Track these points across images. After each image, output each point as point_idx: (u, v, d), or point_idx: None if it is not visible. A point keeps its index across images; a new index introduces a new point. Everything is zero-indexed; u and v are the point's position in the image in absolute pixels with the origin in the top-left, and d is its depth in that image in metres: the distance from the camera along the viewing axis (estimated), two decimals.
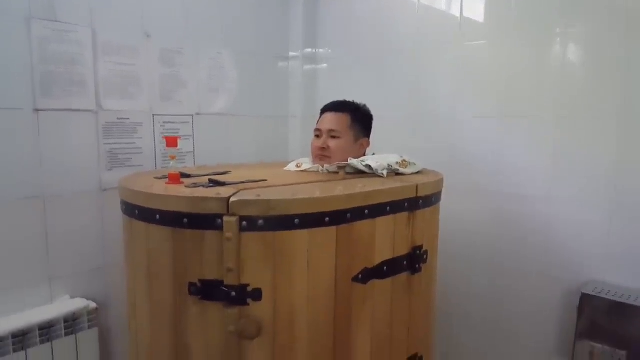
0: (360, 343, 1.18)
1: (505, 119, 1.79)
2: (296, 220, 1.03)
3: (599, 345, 1.53)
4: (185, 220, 1.01)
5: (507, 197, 1.81)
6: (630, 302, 1.48)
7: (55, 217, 1.58)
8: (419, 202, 1.26)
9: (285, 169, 1.60)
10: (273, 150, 2.30)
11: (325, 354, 1.12)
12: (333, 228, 1.08)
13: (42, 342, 1.50)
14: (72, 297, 1.66)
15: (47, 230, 1.57)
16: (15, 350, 1.44)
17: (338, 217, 1.08)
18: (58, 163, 1.57)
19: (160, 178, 1.27)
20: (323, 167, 1.47)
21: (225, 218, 0.99)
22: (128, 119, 1.73)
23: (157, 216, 1.05)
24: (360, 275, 1.15)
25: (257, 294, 1.04)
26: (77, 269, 1.67)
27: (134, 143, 1.76)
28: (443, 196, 1.46)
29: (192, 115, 1.94)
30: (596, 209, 1.62)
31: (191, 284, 1.05)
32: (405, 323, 1.30)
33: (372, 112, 1.65)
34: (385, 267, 1.21)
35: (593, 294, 1.53)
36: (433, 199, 1.34)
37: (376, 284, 1.20)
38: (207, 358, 1.07)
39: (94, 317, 1.63)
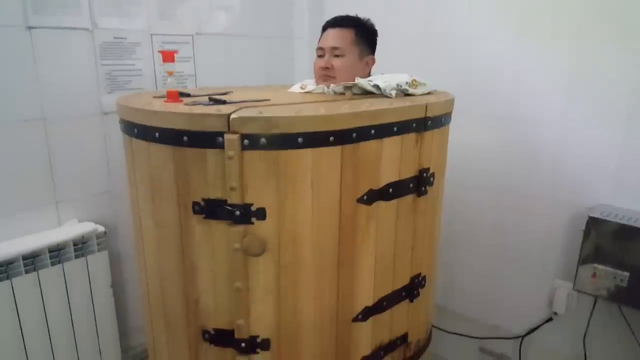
0: (364, 262, 1.18)
1: (521, 39, 1.70)
2: (300, 139, 1.00)
3: (602, 267, 1.54)
4: (186, 138, 0.99)
5: (520, 121, 1.76)
6: (637, 225, 1.47)
7: (57, 140, 1.56)
8: (427, 122, 1.22)
9: (289, 90, 1.55)
10: (278, 74, 2.22)
11: (329, 272, 1.13)
12: (338, 148, 1.05)
13: (52, 264, 1.53)
14: (80, 221, 1.68)
15: (49, 154, 1.55)
16: (27, 272, 1.47)
17: (343, 137, 1.05)
18: (56, 84, 1.52)
19: (159, 97, 1.23)
20: (328, 87, 1.41)
21: (226, 136, 0.96)
22: (125, 38, 1.66)
23: (157, 134, 1.02)
24: (365, 197, 1.14)
25: (261, 213, 1.03)
26: (84, 194, 1.68)
27: (133, 64, 1.70)
28: (453, 120, 1.42)
29: (192, 35, 1.86)
30: (610, 133, 1.57)
31: (195, 203, 1.04)
32: (409, 244, 1.30)
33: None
34: (390, 189, 1.19)
35: (600, 217, 1.53)
36: (442, 120, 1.29)
37: (381, 205, 1.18)
38: (213, 275, 1.09)
39: (102, 241, 1.66)
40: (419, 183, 1.26)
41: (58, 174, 1.59)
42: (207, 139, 0.98)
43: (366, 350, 1.28)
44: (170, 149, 1.02)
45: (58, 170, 1.58)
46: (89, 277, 1.63)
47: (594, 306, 1.68)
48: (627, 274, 1.50)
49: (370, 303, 1.24)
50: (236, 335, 1.11)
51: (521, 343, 1.90)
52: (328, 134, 1.02)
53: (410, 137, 1.20)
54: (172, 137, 1.00)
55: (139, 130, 1.06)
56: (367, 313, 1.24)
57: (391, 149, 1.16)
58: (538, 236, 1.79)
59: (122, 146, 1.25)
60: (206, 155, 0.99)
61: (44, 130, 1.53)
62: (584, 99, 1.61)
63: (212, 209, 1.03)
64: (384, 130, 1.12)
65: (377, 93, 1.33)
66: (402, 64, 1.75)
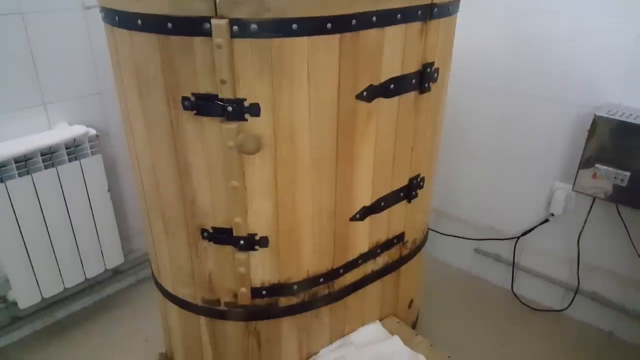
0: (362, 161, 1.15)
1: None
2: (294, 26, 0.92)
3: (603, 167, 1.52)
4: (170, 25, 0.91)
5: (532, 13, 1.64)
6: None
7: (38, 37, 1.47)
8: (433, 10, 1.13)
9: None
10: None
11: (327, 171, 1.10)
12: (336, 36, 0.97)
13: (45, 167, 1.50)
14: (71, 124, 1.63)
15: (32, 52, 1.47)
16: (20, 175, 1.45)
17: (342, 24, 0.97)
18: None
19: None
20: None
21: (213, 21, 0.88)
22: None
23: (139, 21, 0.94)
24: (364, 93, 1.08)
25: (255, 110, 0.98)
26: (73, 95, 1.61)
27: None
28: (460, 13, 1.31)
29: None
30: (626, 29, 1.47)
31: (184, 98, 0.98)
32: (409, 144, 1.27)
33: None
34: (392, 85, 1.13)
35: (606, 115, 1.48)
36: (450, 9, 1.19)
37: (381, 102, 1.13)
38: (209, 174, 1.06)
39: (95, 144, 1.62)
40: (422, 79, 1.19)
41: (44, 74, 1.51)
42: (193, 26, 0.90)
43: (363, 248, 1.29)
44: (155, 37, 0.94)
45: (43, 70, 1.50)
46: (84, 180, 1.61)
47: (591, 207, 1.68)
48: (628, 173, 1.48)
49: (368, 203, 1.23)
50: (234, 233, 1.11)
51: (516, 244, 1.93)
52: (325, 19, 0.94)
53: (415, 26, 1.11)
54: (155, 24, 0.92)
55: (121, 18, 0.98)
56: (365, 212, 1.23)
57: (393, 39, 1.08)
58: (541, 138, 1.75)
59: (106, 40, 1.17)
60: (193, 44, 0.92)
61: (24, 26, 1.43)
62: None
63: (203, 105, 0.98)
64: (386, 18, 1.03)
65: None
66: None
